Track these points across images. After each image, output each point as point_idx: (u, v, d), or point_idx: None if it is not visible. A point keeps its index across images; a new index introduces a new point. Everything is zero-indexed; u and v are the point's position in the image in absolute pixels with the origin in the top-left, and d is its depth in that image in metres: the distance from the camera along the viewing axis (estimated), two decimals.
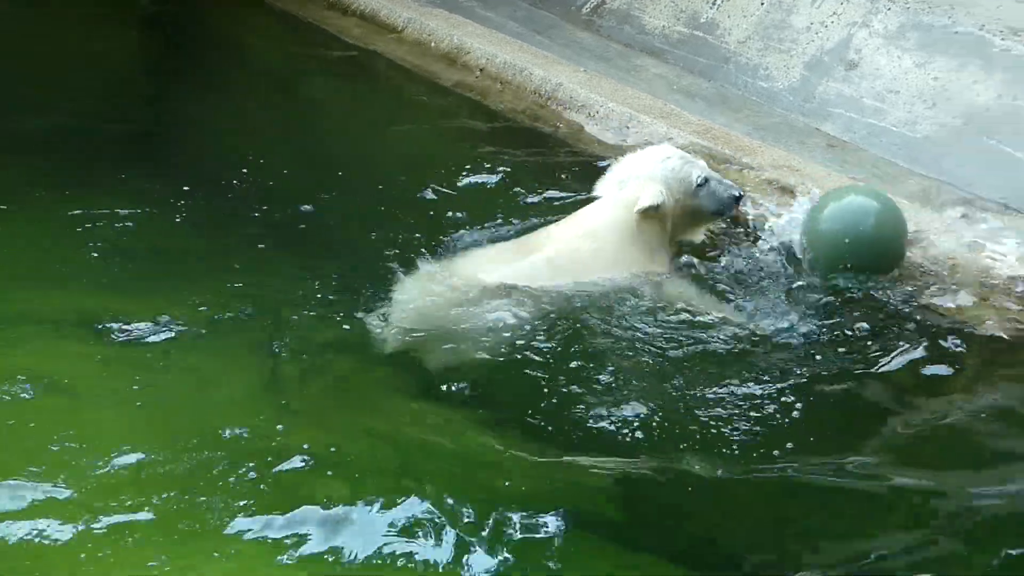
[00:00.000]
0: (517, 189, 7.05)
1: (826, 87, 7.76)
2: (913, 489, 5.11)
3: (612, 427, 5.32)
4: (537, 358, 5.67)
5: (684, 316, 5.95)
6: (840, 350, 5.84)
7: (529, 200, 6.95)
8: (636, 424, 5.33)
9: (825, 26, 7.93)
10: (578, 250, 6.17)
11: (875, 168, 7.03)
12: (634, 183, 6.31)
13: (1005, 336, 5.91)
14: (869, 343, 5.87)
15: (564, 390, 5.53)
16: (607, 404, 5.43)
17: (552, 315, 5.89)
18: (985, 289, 6.11)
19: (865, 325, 5.96)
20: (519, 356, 5.69)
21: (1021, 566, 4.69)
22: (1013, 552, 4.74)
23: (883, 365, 5.75)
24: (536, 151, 7.56)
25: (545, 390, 5.53)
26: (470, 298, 5.93)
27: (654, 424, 5.34)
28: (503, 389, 5.62)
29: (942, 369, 5.74)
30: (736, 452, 5.22)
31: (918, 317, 6.05)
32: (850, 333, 5.92)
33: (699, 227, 6.54)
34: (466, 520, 4.72)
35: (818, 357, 5.79)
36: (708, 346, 5.81)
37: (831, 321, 5.98)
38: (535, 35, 8.79)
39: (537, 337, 5.76)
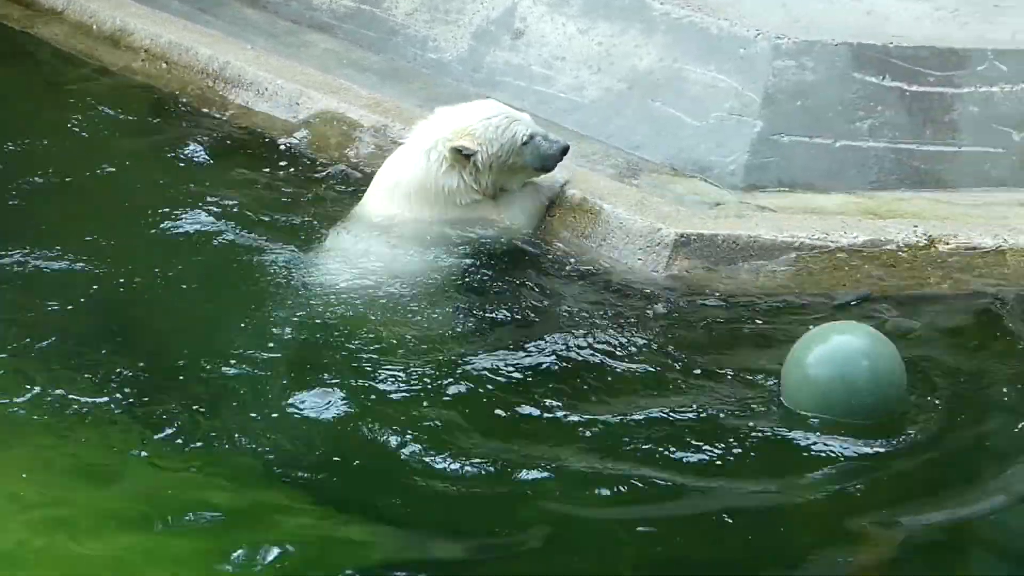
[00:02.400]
0: (190, 170, 6.90)
1: (494, 56, 7.82)
2: None
3: None
4: None
5: None
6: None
7: (206, 184, 6.79)
8: None
9: None
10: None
11: None
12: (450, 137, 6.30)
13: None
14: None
15: None
16: None
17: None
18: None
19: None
20: None
21: None
22: None
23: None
24: (207, 131, 7.42)
25: None
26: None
27: None
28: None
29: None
30: None
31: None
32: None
33: (518, 178, 6.49)
34: None
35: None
36: None
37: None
38: (200, 14, 8.60)
39: None
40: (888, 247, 6.24)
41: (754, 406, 5.35)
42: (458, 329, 5.82)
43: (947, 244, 6.25)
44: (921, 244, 6.24)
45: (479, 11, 7.97)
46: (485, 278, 6.20)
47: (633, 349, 5.72)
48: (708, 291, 6.16)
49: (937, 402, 5.43)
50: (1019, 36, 7.46)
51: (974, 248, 6.26)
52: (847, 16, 7.62)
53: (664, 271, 6.22)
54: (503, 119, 6.35)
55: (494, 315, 5.95)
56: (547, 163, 6.41)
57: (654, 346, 5.76)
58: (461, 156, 6.28)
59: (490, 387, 5.43)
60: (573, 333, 5.82)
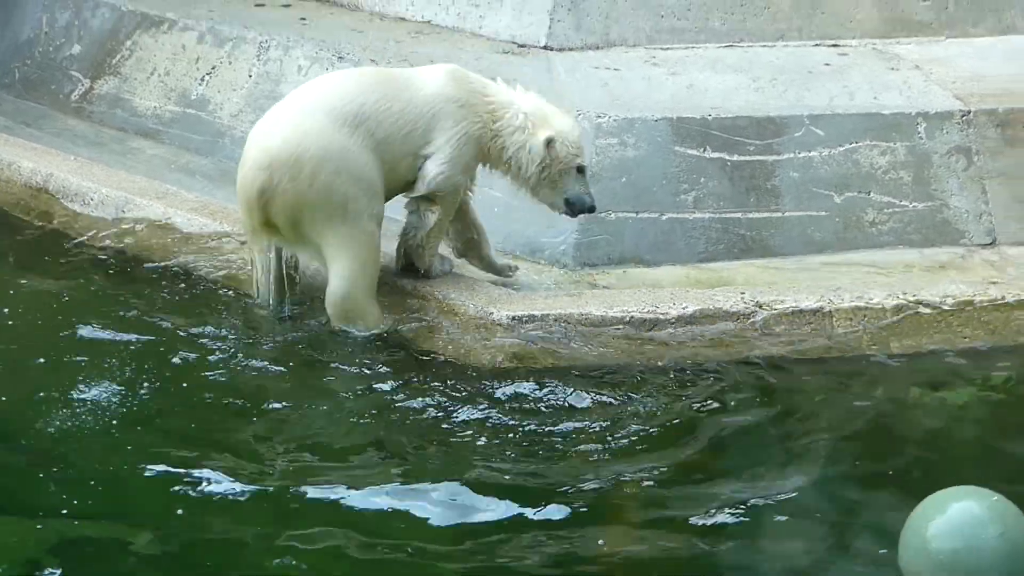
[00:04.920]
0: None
1: None
2: None
3: None
4: None
5: None
6: None
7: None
8: None
9: None
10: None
11: None
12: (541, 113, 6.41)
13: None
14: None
15: None
16: None
17: None
18: None
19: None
20: None
21: None
22: None
23: None
24: (33, 242, 7.30)
25: None
26: None
27: None
28: None
29: None
30: None
31: None
32: None
33: (541, 198, 6.58)
34: None
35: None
36: None
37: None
38: (24, 127, 8.50)
39: None
40: (717, 316, 6.30)
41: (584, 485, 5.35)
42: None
43: (774, 309, 6.33)
44: (749, 311, 6.31)
45: None
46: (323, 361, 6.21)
47: (468, 428, 5.71)
48: (542, 369, 6.16)
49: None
50: (835, 101, 7.66)
51: (801, 311, 6.34)
52: (667, 91, 7.79)
53: (497, 353, 6.21)
54: (580, 140, 6.51)
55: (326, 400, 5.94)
56: (576, 201, 6.49)
57: (488, 424, 5.75)
58: (545, 142, 6.36)
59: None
60: (407, 419, 5.80)
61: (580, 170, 6.46)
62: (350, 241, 6.23)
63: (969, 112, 7.59)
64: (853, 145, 7.41)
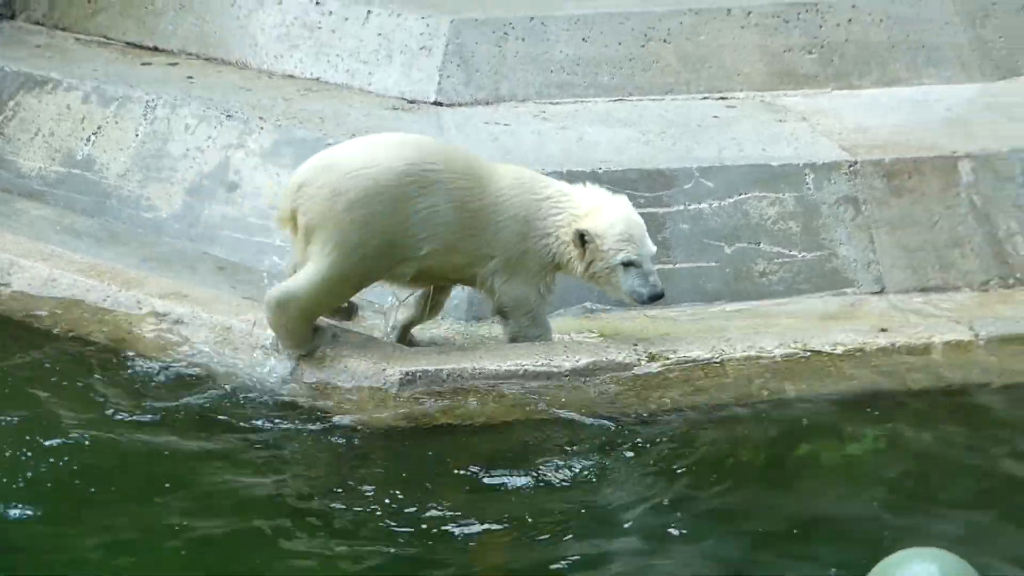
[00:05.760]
0: None
1: (211, 211, 7.74)
2: None
3: None
4: None
5: None
6: None
7: None
8: None
9: (202, 151, 7.92)
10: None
11: (263, 282, 6.96)
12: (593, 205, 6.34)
13: None
14: None
15: None
16: None
17: None
18: None
19: None
20: None
21: None
22: None
23: None
24: None
25: None
26: None
27: None
28: None
29: None
30: None
31: None
32: None
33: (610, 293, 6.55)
34: None
35: None
36: None
37: None
38: None
39: None
40: (610, 368, 6.28)
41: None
42: None
43: (667, 360, 6.33)
44: (642, 362, 6.30)
45: (192, 167, 7.90)
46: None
47: (354, 492, 5.65)
48: (436, 424, 6.11)
49: None
50: (724, 153, 7.71)
51: (693, 361, 6.35)
52: (557, 145, 7.80)
53: (391, 409, 6.14)
54: (622, 234, 6.30)
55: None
56: (632, 295, 6.36)
57: (371, 480, 5.72)
58: (578, 238, 6.28)
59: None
60: (301, 483, 5.72)
61: (628, 264, 6.30)
62: (332, 266, 6.13)
63: (856, 162, 7.69)
64: (742, 196, 7.47)
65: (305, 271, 6.15)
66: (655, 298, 6.38)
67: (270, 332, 6.33)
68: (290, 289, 6.18)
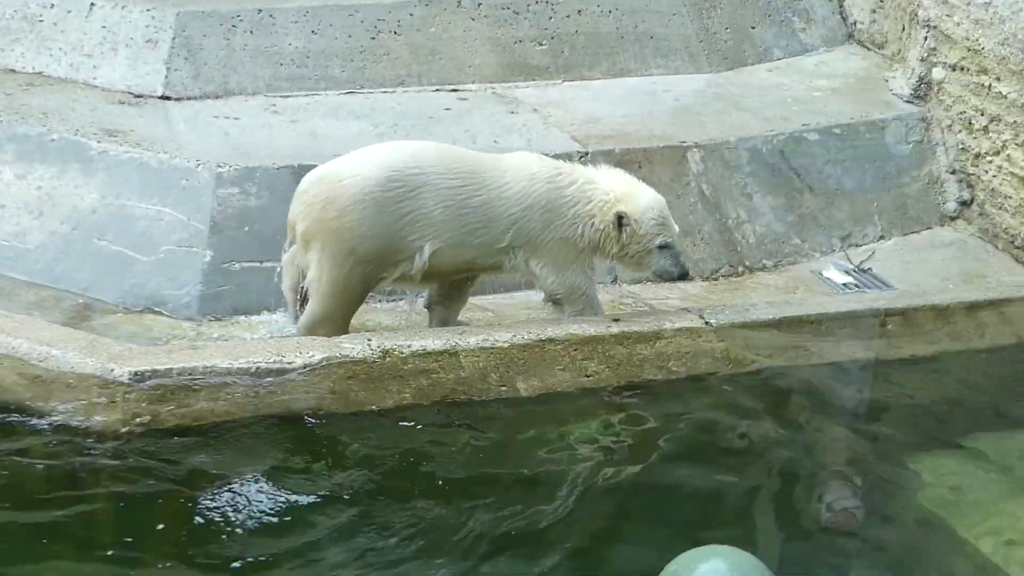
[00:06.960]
0: None
1: None
2: None
3: None
4: None
5: None
6: None
7: None
8: None
9: None
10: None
11: None
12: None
13: None
14: None
15: None
16: None
17: None
18: None
19: None
20: None
21: None
22: None
23: None
24: None
25: None
26: None
27: None
28: None
29: None
30: None
31: None
32: None
33: (631, 271, 7.05)
34: None
35: None
36: None
37: None
38: None
39: None
40: (344, 363, 6.22)
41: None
42: None
43: (401, 354, 6.30)
44: (375, 357, 6.26)
45: None
46: None
47: (81, 500, 5.54)
48: (168, 425, 5.96)
49: None
50: (457, 145, 7.70)
51: (428, 353, 6.34)
52: (289, 139, 7.75)
53: (120, 410, 5.97)
54: (658, 218, 6.62)
55: None
56: (661, 274, 6.76)
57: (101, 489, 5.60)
58: (616, 221, 6.56)
59: None
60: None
61: (663, 247, 6.64)
62: (330, 271, 6.43)
63: (587, 153, 7.81)
64: None
65: (312, 289, 6.49)
66: (683, 276, 6.85)
67: None
68: (310, 310, 6.52)
